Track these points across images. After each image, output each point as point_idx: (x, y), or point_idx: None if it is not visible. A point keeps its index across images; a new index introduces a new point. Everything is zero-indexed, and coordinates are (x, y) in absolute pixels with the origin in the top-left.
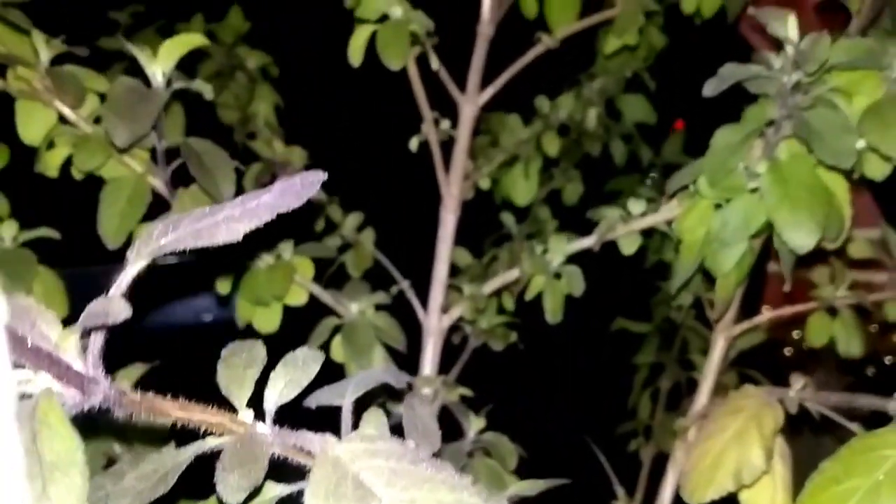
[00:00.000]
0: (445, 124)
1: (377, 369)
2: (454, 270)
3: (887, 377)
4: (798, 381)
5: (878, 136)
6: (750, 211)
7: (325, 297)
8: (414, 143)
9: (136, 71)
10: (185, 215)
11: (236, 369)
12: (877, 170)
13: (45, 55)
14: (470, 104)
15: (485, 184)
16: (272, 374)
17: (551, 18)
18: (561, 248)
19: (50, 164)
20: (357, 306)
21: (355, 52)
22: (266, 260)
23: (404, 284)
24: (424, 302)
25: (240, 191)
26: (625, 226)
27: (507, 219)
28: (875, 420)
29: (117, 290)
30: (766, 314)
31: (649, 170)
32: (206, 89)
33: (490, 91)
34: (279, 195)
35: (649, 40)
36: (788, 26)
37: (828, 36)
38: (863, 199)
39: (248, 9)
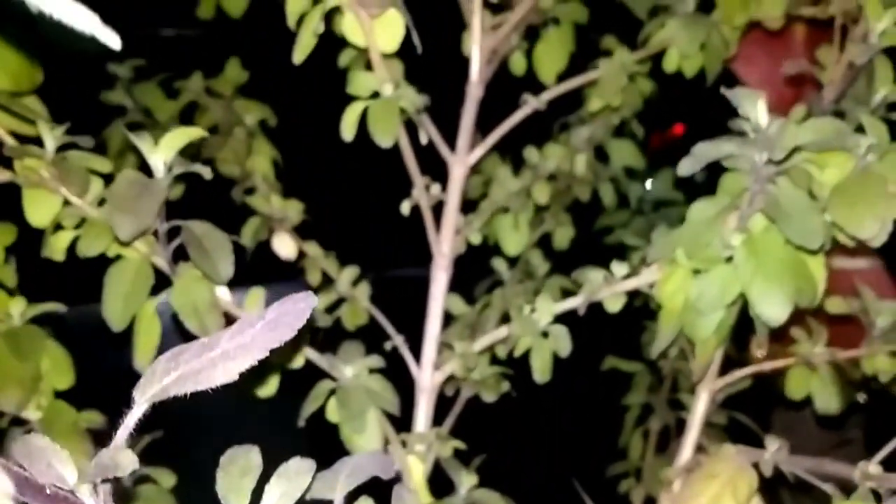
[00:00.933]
0: (436, 189)
1: (367, 457)
2: (448, 318)
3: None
4: (773, 444)
5: (844, 217)
6: (725, 282)
7: (321, 361)
8: (405, 208)
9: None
10: (185, 349)
11: (233, 478)
12: (849, 242)
13: (51, 144)
14: (460, 164)
15: (476, 239)
16: (267, 487)
17: (541, 72)
18: (548, 308)
19: (56, 248)
20: (351, 370)
21: (348, 128)
22: None
23: (398, 340)
24: (418, 355)
25: (238, 251)
26: (608, 288)
27: (499, 265)
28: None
29: (123, 435)
30: (748, 369)
31: (640, 205)
32: (205, 171)
33: (479, 152)
34: (272, 328)
35: (638, 88)
36: (758, 110)
37: (801, 111)
38: None
39: (247, 58)
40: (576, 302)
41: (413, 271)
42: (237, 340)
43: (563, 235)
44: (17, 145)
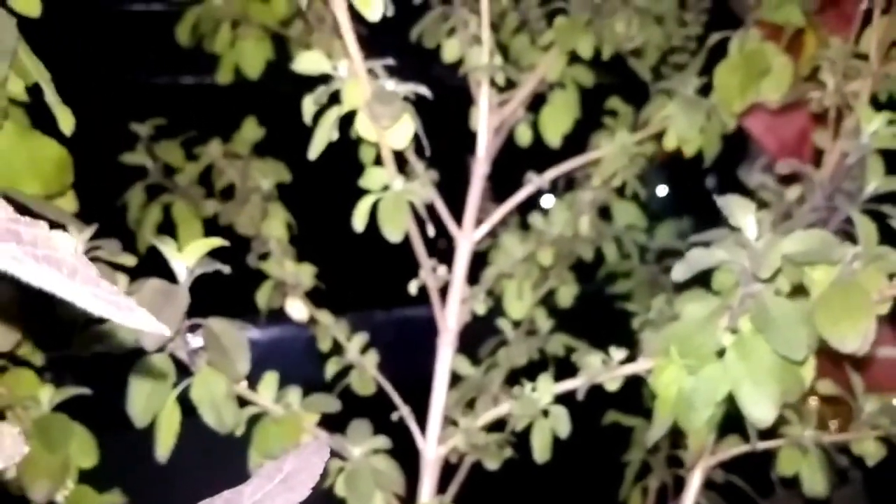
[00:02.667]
0: (442, 270)
1: None
2: (454, 378)
3: None
4: None
5: (828, 332)
6: (716, 381)
7: (330, 442)
8: (413, 287)
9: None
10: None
11: None
12: None
13: (80, 249)
14: (466, 240)
15: (481, 309)
16: None
17: (547, 135)
18: (548, 388)
19: (82, 346)
20: (359, 450)
21: (360, 220)
22: (276, 411)
23: (404, 411)
24: (423, 424)
25: (249, 307)
26: (607, 372)
27: (504, 325)
28: None
29: None
30: (741, 447)
31: (643, 254)
32: (225, 268)
33: (485, 228)
34: (289, 486)
35: (639, 158)
36: (748, 222)
37: (783, 230)
38: None
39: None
40: (575, 383)
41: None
42: (258, 495)
43: (567, 294)
44: None
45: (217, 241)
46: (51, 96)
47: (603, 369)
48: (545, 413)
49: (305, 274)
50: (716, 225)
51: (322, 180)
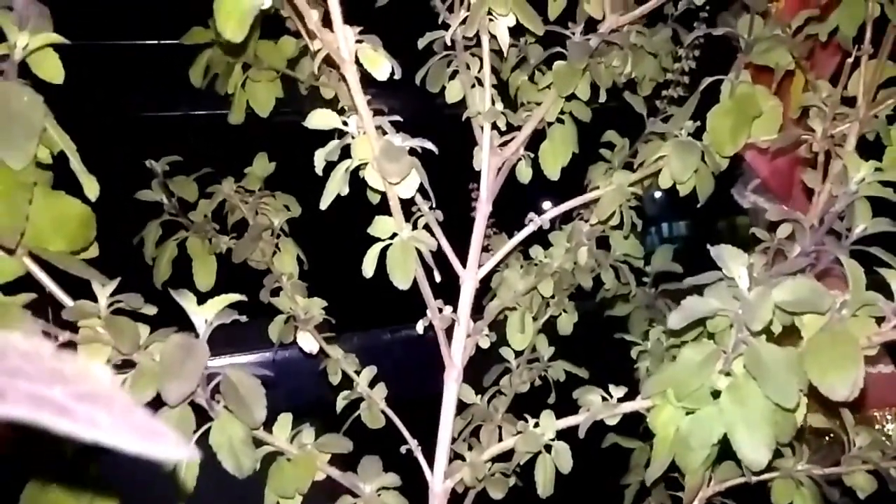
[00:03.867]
0: (448, 311)
1: None
2: (461, 406)
3: None
4: None
5: (818, 380)
6: (712, 423)
7: (343, 479)
8: (420, 327)
9: None
10: None
11: None
12: None
13: (104, 302)
14: (470, 279)
15: (485, 343)
16: None
17: (546, 168)
18: (551, 424)
19: None
20: (370, 488)
21: (369, 267)
22: (290, 451)
23: (413, 443)
24: (431, 458)
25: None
26: (607, 410)
27: (507, 353)
28: None
29: None
30: (737, 479)
31: (640, 276)
32: (242, 317)
33: (489, 266)
34: None
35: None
36: (741, 274)
37: (774, 281)
38: None
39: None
40: (577, 420)
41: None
42: None
43: (567, 322)
44: (77, 306)
45: (234, 297)
46: (76, 165)
47: (603, 407)
48: (548, 448)
49: (315, 308)
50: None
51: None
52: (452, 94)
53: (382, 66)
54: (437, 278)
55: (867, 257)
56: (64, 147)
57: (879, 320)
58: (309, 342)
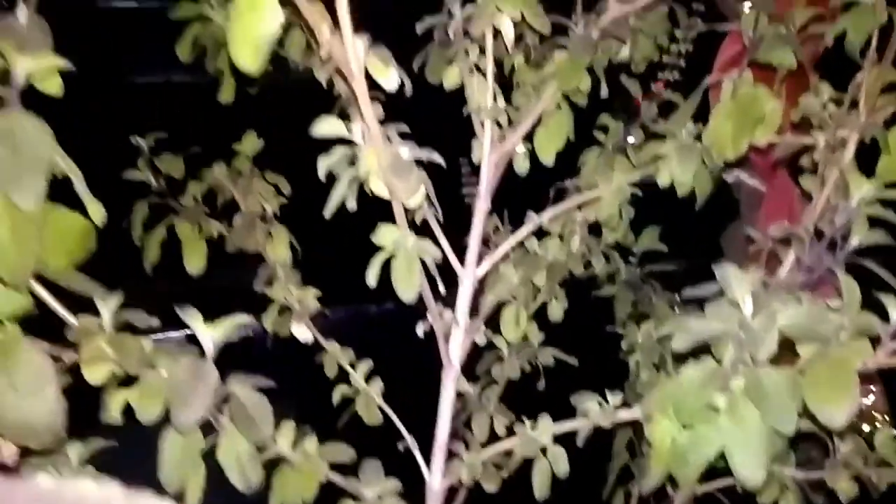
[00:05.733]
0: (448, 315)
1: None
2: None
3: None
4: None
5: (816, 408)
6: (709, 439)
7: (345, 484)
8: (420, 331)
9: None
10: None
11: None
12: None
13: (108, 317)
14: (469, 277)
15: (481, 340)
16: None
17: (541, 153)
18: (549, 428)
19: (112, 407)
20: (371, 492)
21: (373, 276)
22: (294, 458)
23: (409, 440)
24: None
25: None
26: (605, 417)
27: (499, 342)
28: None
29: None
30: (723, 482)
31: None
32: (248, 331)
33: (487, 265)
34: None
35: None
36: (746, 300)
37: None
38: None
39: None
40: (575, 425)
41: None
42: None
43: (557, 309)
44: (81, 325)
45: (243, 319)
46: (81, 189)
47: (601, 415)
48: (544, 451)
49: (310, 298)
50: None
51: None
52: (450, 80)
53: (391, 77)
54: (442, 290)
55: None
56: (69, 173)
57: (874, 343)
58: (303, 333)
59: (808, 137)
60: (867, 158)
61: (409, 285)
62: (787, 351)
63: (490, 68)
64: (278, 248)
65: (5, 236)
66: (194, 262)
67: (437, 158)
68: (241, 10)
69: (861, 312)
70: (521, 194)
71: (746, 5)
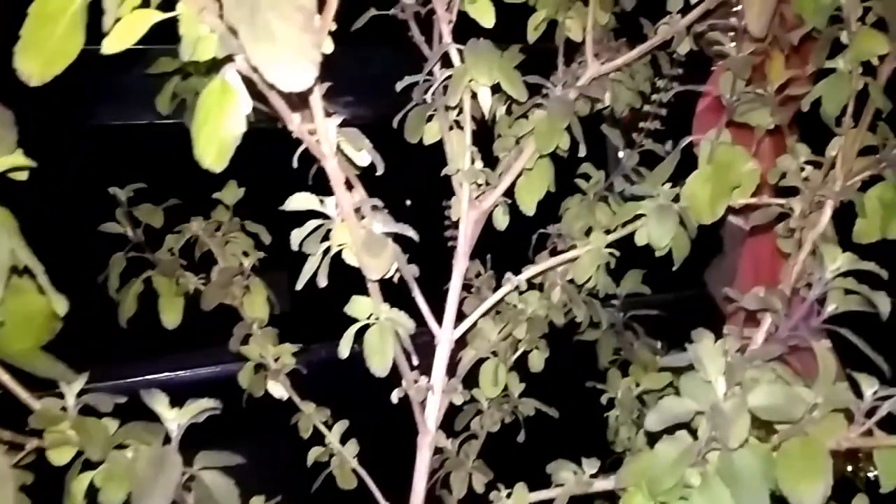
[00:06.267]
0: (423, 381)
1: None
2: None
3: None
4: None
5: (789, 491)
6: None
7: None
8: (394, 397)
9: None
10: None
11: None
12: None
13: (72, 401)
14: (446, 340)
15: (458, 400)
16: None
17: (522, 203)
18: (523, 498)
19: (76, 492)
20: None
21: (345, 348)
22: None
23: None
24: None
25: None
26: (580, 485)
27: (479, 395)
28: None
29: None
30: None
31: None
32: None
33: (464, 326)
34: None
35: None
36: (718, 381)
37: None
38: None
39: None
40: (551, 494)
41: None
42: None
43: (539, 358)
44: (42, 411)
45: (208, 403)
46: (44, 283)
47: (577, 484)
48: None
49: (286, 356)
50: None
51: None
52: (429, 136)
53: (361, 157)
54: (416, 362)
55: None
56: (31, 266)
57: (849, 418)
58: (279, 391)
59: (784, 201)
60: (843, 217)
61: (381, 360)
62: (764, 422)
63: (468, 129)
64: (256, 304)
65: None
66: (170, 316)
67: (411, 233)
68: (206, 113)
69: (835, 386)
70: (502, 235)
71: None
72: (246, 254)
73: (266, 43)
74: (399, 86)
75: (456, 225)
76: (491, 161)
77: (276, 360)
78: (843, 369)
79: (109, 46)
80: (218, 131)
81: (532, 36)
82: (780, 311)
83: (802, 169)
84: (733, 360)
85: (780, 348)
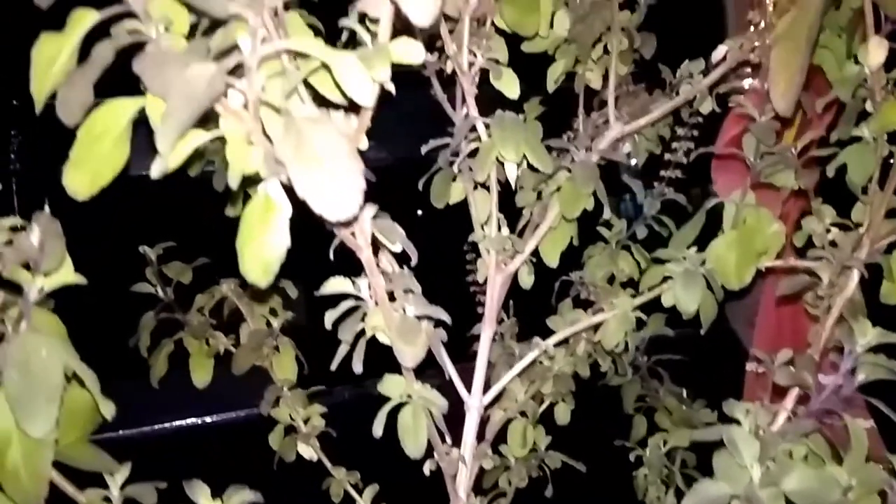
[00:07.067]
0: (455, 453)
1: None
2: None
3: None
4: None
5: None
6: None
7: None
8: (427, 469)
9: None
10: None
11: None
12: None
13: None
14: (475, 407)
15: (488, 465)
16: None
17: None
18: None
19: None
20: None
21: (379, 427)
22: None
23: None
24: None
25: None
26: None
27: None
28: None
29: None
30: None
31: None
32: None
33: (493, 392)
34: None
35: None
36: (754, 467)
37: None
38: None
39: None
40: None
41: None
42: None
43: (565, 411)
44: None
45: (251, 496)
46: (94, 390)
47: None
48: None
49: (316, 417)
50: None
51: None
52: (454, 196)
53: (396, 246)
54: (448, 440)
55: None
56: (79, 373)
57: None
58: (309, 452)
59: (810, 264)
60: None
61: (415, 441)
62: None
63: (495, 196)
64: (285, 365)
65: (18, 462)
66: (201, 376)
67: (444, 316)
68: (250, 231)
69: (868, 466)
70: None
71: (747, 82)
72: (274, 312)
73: (314, 172)
74: (424, 149)
75: (479, 284)
76: (512, 212)
77: (305, 422)
78: (879, 437)
79: (158, 171)
80: (263, 250)
81: (552, 87)
82: (811, 385)
83: (828, 230)
84: (766, 437)
85: (812, 424)
